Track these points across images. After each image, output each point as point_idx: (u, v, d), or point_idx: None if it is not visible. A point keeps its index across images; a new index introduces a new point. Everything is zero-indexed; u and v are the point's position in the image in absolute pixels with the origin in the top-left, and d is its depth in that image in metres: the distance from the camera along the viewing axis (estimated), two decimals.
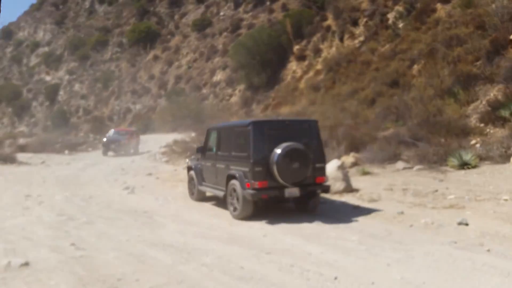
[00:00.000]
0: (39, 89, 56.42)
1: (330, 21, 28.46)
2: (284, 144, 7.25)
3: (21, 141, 28.74)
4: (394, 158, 10.84)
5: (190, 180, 10.00)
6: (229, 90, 34.14)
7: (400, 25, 21.54)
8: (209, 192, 9.32)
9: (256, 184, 7.22)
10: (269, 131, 7.53)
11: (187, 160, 11.66)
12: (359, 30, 25.32)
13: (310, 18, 29.96)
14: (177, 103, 27.16)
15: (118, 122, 42.79)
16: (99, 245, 6.21)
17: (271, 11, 36.77)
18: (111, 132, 26.87)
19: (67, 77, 54.43)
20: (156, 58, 46.00)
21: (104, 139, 25.65)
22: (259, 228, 6.88)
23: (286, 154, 7.15)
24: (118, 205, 9.69)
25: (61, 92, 53.45)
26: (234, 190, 7.62)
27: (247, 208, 7.42)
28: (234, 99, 32.99)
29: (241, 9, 40.98)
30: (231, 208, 7.80)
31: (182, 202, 9.71)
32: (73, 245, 6.09)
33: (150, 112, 39.06)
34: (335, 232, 6.38)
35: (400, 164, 10.43)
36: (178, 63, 42.91)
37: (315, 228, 6.64)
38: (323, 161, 7.76)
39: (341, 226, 6.71)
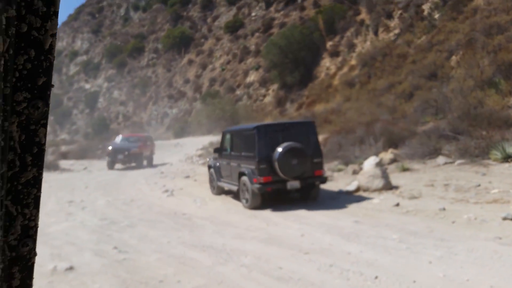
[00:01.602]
0: (79, 97, 58.74)
1: (363, 15, 27.98)
2: (284, 144, 8.36)
3: (63, 148, 29.61)
4: (434, 153, 10.50)
5: (210, 177, 11.23)
6: (263, 90, 34.23)
7: (436, 15, 20.90)
8: (226, 187, 10.41)
9: (262, 179, 8.37)
10: (271, 133, 8.65)
11: (208, 159, 12.57)
12: (394, 22, 24.75)
13: (343, 13, 29.58)
14: (212, 106, 27.49)
15: (156, 127, 43.89)
16: (141, 247, 6.39)
17: (302, 8, 36.59)
18: (118, 138, 22.11)
19: (105, 84, 56.37)
20: (190, 62, 46.88)
21: (109, 148, 20.62)
22: (297, 228, 6.85)
23: (286, 152, 8.25)
24: (158, 207, 9.95)
25: (101, 99, 55.40)
26: (245, 185, 8.81)
27: (256, 200, 8.56)
28: (267, 99, 33.04)
29: (272, 9, 41.00)
30: (243, 200, 8.97)
31: (219, 204, 9.84)
32: (115, 248, 6.28)
33: (186, 116, 39.79)
34: (375, 230, 6.27)
35: (440, 159, 10.09)
36: (212, 65, 43.51)
37: (354, 227, 6.55)
38: (320, 156, 8.86)
39: (381, 224, 6.59)
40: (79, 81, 61.89)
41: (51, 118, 58.47)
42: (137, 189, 13.37)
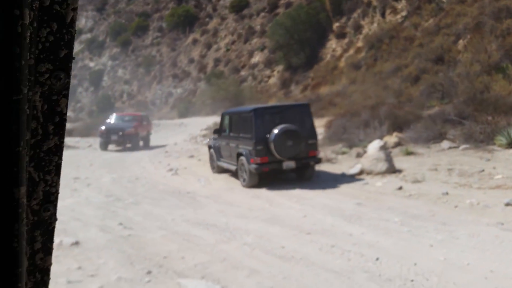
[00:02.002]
0: (84, 75, 58.56)
1: None
2: (280, 126, 8.70)
3: (68, 125, 29.87)
4: (439, 137, 10.48)
5: (211, 156, 11.68)
6: (268, 72, 34.00)
7: None
8: (225, 167, 10.70)
9: (259, 160, 8.74)
10: (268, 116, 9.02)
11: (208, 139, 12.71)
12: (401, 4, 24.36)
13: None
14: (216, 86, 27.39)
15: (161, 106, 43.86)
16: (146, 224, 6.49)
17: None
18: (113, 117, 20.87)
19: (110, 62, 56.12)
20: (195, 41, 46.48)
21: (102, 128, 19.19)
22: (299, 209, 6.93)
23: (281, 134, 8.60)
24: (163, 186, 10.06)
25: (105, 78, 55.25)
26: (243, 165, 9.19)
27: (253, 179, 8.95)
28: (272, 80, 32.86)
29: None
30: (241, 179, 9.36)
31: (223, 183, 9.92)
32: (120, 224, 6.39)
33: (191, 96, 39.70)
34: (377, 213, 6.32)
35: (445, 144, 10.07)
36: (217, 45, 43.14)
37: (356, 209, 6.60)
38: (315, 138, 9.24)
39: (383, 207, 6.63)
40: (84, 59, 61.58)
41: None
42: (142, 167, 13.48)
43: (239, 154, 9.42)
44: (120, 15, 61.18)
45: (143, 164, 14.09)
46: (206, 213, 7.06)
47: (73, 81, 58.22)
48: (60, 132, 0.63)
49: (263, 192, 8.45)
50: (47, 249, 0.67)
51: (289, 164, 8.84)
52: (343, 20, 29.15)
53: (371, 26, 26.16)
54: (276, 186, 8.79)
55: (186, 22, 48.34)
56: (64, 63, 0.60)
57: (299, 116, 9.17)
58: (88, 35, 63.84)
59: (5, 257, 0.54)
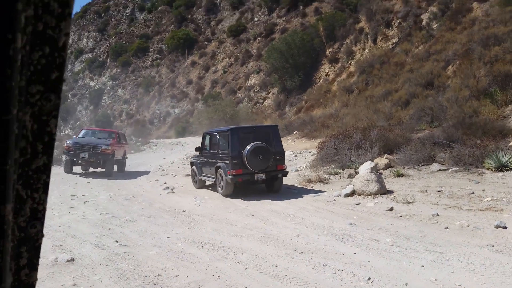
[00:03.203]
0: (84, 93, 58.93)
1: (363, 23, 28.26)
2: (252, 143, 10.02)
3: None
4: (429, 159, 10.64)
5: (192, 173, 12.77)
6: (263, 94, 34.44)
7: (434, 26, 21.15)
8: (207, 181, 11.89)
9: (234, 172, 10.08)
10: (242, 135, 10.35)
11: (190, 158, 13.80)
12: (392, 31, 25.03)
13: (343, 21, 29.89)
14: (213, 107, 27.68)
15: (159, 125, 44.07)
16: (141, 242, 6.52)
17: (304, 15, 36.87)
18: (82, 132, 17.25)
19: (110, 82, 56.61)
20: (193, 63, 47.19)
21: (68, 143, 15.52)
22: (293, 228, 6.99)
23: (253, 150, 9.93)
24: (159, 204, 10.13)
25: (105, 97, 55.61)
26: (221, 175, 10.53)
27: (229, 188, 10.37)
28: (268, 102, 33.24)
29: (274, 14, 41.27)
30: (219, 188, 10.71)
31: (218, 202, 9.99)
32: (116, 242, 6.41)
33: (188, 116, 39.99)
34: (369, 233, 6.38)
35: (435, 166, 10.24)
36: (214, 68, 43.80)
37: (348, 229, 6.66)
38: (282, 154, 10.64)
39: (375, 227, 6.69)
40: (84, 78, 62.04)
41: None
42: (139, 185, 13.55)
43: (217, 168, 10.71)
44: (121, 36, 62.06)
45: (140, 182, 14.17)
46: (201, 231, 7.12)
47: (73, 100, 58.55)
48: (49, 151, 0.64)
49: (257, 211, 8.52)
50: (33, 265, 0.68)
51: (260, 176, 10.22)
52: (336, 46, 29.82)
53: (363, 52, 26.75)
54: (274, 207, 8.87)
55: (185, 45, 49.31)
56: (55, 85, 0.61)
57: (269, 136, 10.56)
58: (89, 55, 64.47)
59: None
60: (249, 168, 10.01)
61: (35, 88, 0.60)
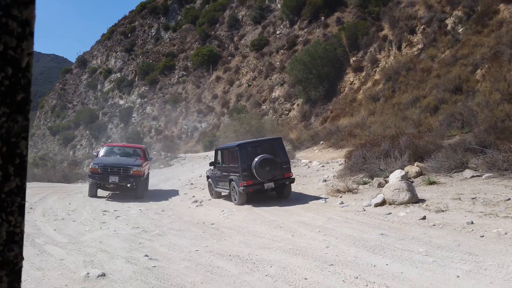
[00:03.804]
0: (114, 112, 60.71)
1: (386, 31, 27.95)
2: (259, 155, 10.97)
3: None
4: (461, 166, 10.30)
5: (209, 185, 13.68)
6: (288, 105, 34.45)
7: (460, 30, 20.68)
8: (222, 192, 12.68)
9: (245, 183, 10.96)
10: (250, 149, 11.27)
11: (206, 172, 14.38)
12: (417, 38, 24.63)
13: (366, 30, 29.66)
14: (238, 120, 27.88)
15: (186, 140, 44.81)
16: (171, 255, 6.57)
17: (326, 25, 36.83)
18: (104, 150, 15.38)
19: (138, 100, 58.21)
20: (218, 78, 47.98)
21: (95, 165, 13.76)
22: (322, 239, 6.89)
23: (260, 162, 10.86)
24: (188, 217, 10.25)
25: (134, 114, 57.19)
26: (234, 188, 11.41)
27: (242, 198, 11.20)
28: (293, 113, 33.20)
29: (296, 26, 41.42)
30: (233, 199, 11.57)
31: (246, 214, 9.99)
32: (146, 256, 6.46)
33: (215, 130, 40.47)
34: (401, 244, 6.21)
35: (467, 173, 9.89)
36: (239, 82, 44.32)
37: (379, 240, 6.50)
38: (288, 163, 11.54)
39: (407, 237, 6.51)
40: (114, 97, 63.93)
41: (86, 132, 60.55)
42: (168, 199, 13.73)
43: (230, 180, 11.60)
44: (147, 55, 63.84)
45: (169, 197, 14.37)
46: (230, 244, 7.12)
47: (103, 118, 60.47)
48: (21, 173, 0.63)
49: (285, 223, 8.46)
50: None
51: (269, 185, 11.08)
52: (360, 54, 29.59)
53: (387, 59, 26.43)
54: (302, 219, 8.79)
55: (210, 61, 50.38)
56: (21, 107, 0.60)
57: (274, 147, 11.47)
58: (118, 75, 66.47)
59: None
60: (258, 178, 10.88)
61: (0, 110, 0.59)
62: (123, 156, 14.78)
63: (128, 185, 13.58)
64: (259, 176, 10.86)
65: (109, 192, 14.88)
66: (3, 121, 0.59)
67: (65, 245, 7.40)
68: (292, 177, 11.60)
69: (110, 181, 13.50)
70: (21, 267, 0.66)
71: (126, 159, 14.33)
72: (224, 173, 12.16)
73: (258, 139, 13.43)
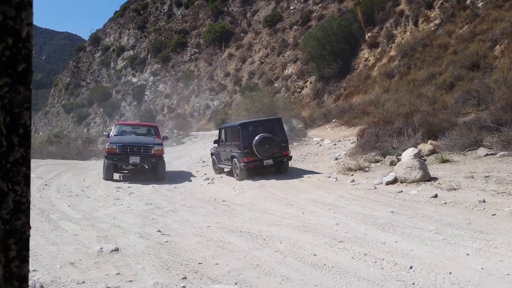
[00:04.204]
0: (127, 90, 61.09)
1: (403, 6, 27.21)
2: (260, 134, 11.78)
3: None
4: (475, 144, 10.14)
5: (213, 161, 14.38)
6: (300, 83, 34.12)
7: (480, 4, 19.98)
8: (225, 168, 13.42)
9: (246, 159, 11.77)
10: (251, 128, 12.09)
11: (211, 149, 15.12)
12: (434, 13, 23.94)
13: (382, 4, 28.89)
14: (250, 98, 27.76)
15: (199, 118, 44.97)
16: (183, 231, 6.69)
17: (341, 0, 36.01)
18: (116, 129, 14.23)
19: (151, 78, 58.37)
20: (230, 56, 47.61)
21: (112, 143, 12.78)
22: (332, 217, 6.91)
23: (260, 140, 11.67)
24: (200, 194, 10.40)
25: (147, 92, 57.49)
26: (235, 164, 12.18)
27: (243, 174, 11.93)
28: (305, 91, 32.91)
29: (310, 1, 40.63)
30: (235, 175, 12.33)
31: (257, 192, 10.06)
32: (159, 231, 6.58)
33: (227, 108, 40.43)
34: (411, 221, 6.20)
35: (481, 151, 9.72)
36: (251, 59, 43.93)
37: (389, 218, 6.50)
38: (286, 142, 12.30)
39: (418, 215, 6.50)
40: (127, 75, 64.22)
41: (100, 110, 61.17)
42: (181, 176, 13.87)
43: (232, 157, 12.36)
44: (160, 32, 63.56)
45: (182, 174, 14.54)
46: (240, 221, 7.20)
47: (117, 96, 60.94)
48: (25, 143, 0.64)
49: (296, 200, 8.50)
50: (23, 257, 0.68)
51: (268, 161, 11.91)
52: (376, 30, 28.94)
53: (403, 35, 25.82)
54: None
55: (222, 38, 49.91)
56: (23, 77, 0.61)
57: (274, 127, 12.25)
58: (131, 52, 66.54)
59: None
60: (258, 155, 11.70)
61: (2, 80, 0.59)
62: (139, 135, 13.92)
63: (149, 166, 12.89)
64: (259, 153, 11.66)
65: (120, 174, 14.05)
66: (5, 92, 0.60)
67: (79, 220, 7.57)
68: (290, 155, 12.44)
69: (130, 162, 12.54)
70: (28, 235, 0.68)
71: (145, 138, 13.47)
72: (227, 150, 12.90)
73: (259, 119, 14.20)
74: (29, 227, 0.68)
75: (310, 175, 11.52)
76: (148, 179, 13.07)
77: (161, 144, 13.17)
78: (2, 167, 0.63)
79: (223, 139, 13.44)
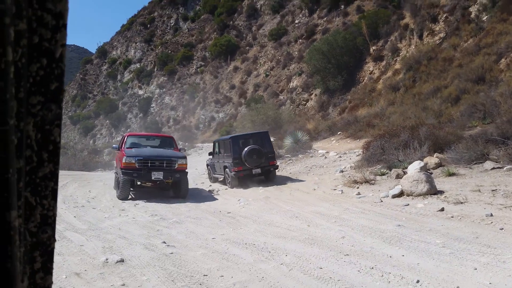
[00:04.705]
0: (133, 102, 61.63)
1: (407, 19, 27.36)
2: (248, 146, 13.16)
3: None
4: (481, 158, 10.07)
5: (208, 171, 15.98)
6: (305, 95, 34.21)
7: (484, 17, 20.04)
8: (219, 178, 14.71)
9: (236, 169, 13.04)
10: (241, 141, 13.43)
11: (206, 160, 16.65)
12: (439, 26, 24.03)
13: (387, 18, 29.07)
14: (256, 110, 27.88)
15: (204, 130, 45.16)
16: (188, 243, 6.68)
17: (345, 14, 36.28)
18: (129, 141, 12.46)
19: (157, 90, 58.91)
20: (236, 69, 48.01)
21: (128, 157, 10.99)
22: (338, 230, 6.87)
23: (249, 151, 13.01)
24: (205, 206, 10.40)
25: (153, 105, 57.97)
26: (227, 173, 13.50)
27: (234, 182, 13.19)
28: (310, 103, 32.97)
29: (315, 15, 40.94)
30: (227, 183, 13.56)
31: (262, 204, 10.04)
32: (164, 243, 6.58)
33: (232, 120, 40.60)
34: (418, 235, 6.14)
35: (488, 164, 9.66)
36: (256, 72, 44.22)
37: (396, 231, 6.45)
38: (273, 153, 13.75)
39: (424, 229, 6.43)
40: (133, 87, 64.86)
41: (106, 121, 61.62)
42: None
43: (225, 167, 13.68)
44: (166, 46, 64.34)
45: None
46: (246, 233, 7.18)
47: (123, 108, 61.46)
48: (54, 159, 0.66)
49: (301, 213, 8.47)
50: (47, 269, 0.70)
51: (256, 170, 13.17)
52: (380, 43, 29.07)
53: (408, 48, 25.91)
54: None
55: (228, 51, 50.47)
56: (55, 95, 0.63)
57: (262, 139, 13.62)
58: (137, 65, 67.25)
59: (0, 277, 0.58)
60: (247, 165, 12.95)
61: (36, 99, 0.62)
62: (154, 147, 12.41)
63: (170, 182, 11.36)
64: (248, 163, 12.97)
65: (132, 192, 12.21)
66: (38, 110, 0.62)
67: (84, 231, 7.58)
68: (276, 164, 13.88)
69: (153, 178, 10.91)
70: (53, 248, 0.70)
71: (165, 151, 11.95)
72: (220, 161, 14.26)
73: (248, 132, 15.84)
74: (54, 240, 0.70)
75: (316, 187, 11.48)
76: (167, 197, 11.99)
77: (185, 157, 11.67)
78: (31, 182, 0.65)
79: (217, 151, 14.75)
